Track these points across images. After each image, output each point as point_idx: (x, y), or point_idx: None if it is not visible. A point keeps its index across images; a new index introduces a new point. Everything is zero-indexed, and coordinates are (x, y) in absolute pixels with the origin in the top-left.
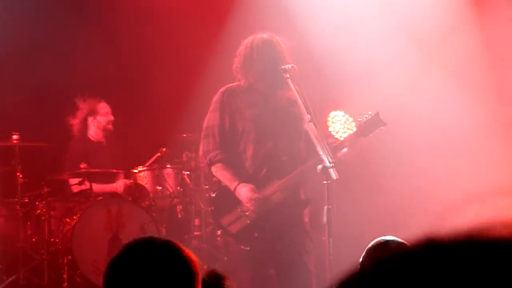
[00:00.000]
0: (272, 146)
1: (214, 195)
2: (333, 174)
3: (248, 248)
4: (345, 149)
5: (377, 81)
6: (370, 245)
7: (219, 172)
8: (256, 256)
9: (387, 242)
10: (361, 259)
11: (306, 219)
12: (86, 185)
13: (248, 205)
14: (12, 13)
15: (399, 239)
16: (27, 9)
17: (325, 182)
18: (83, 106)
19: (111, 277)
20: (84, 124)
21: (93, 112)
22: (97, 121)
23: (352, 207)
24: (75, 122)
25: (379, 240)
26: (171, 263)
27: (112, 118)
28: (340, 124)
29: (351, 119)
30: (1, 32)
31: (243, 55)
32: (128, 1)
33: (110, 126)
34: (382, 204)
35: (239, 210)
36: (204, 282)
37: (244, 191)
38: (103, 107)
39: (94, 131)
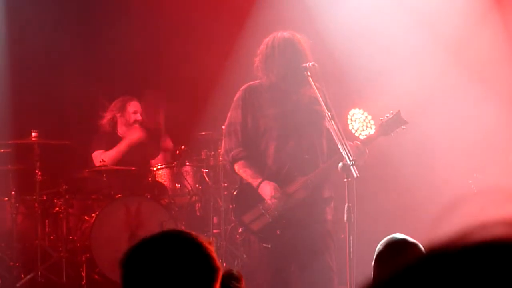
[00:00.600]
0: (294, 144)
1: (235, 192)
2: (354, 171)
3: (269, 246)
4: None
5: (397, 80)
6: (381, 247)
7: (242, 170)
8: (278, 254)
9: (398, 244)
10: (373, 263)
11: (329, 217)
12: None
13: (270, 202)
14: (32, 13)
15: (408, 238)
16: (47, 10)
17: (345, 180)
18: (113, 103)
19: (128, 266)
20: (113, 121)
21: (122, 109)
22: (125, 119)
23: (372, 205)
24: (104, 118)
25: (389, 242)
26: (191, 256)
27: (140, 117)
28: (359, 122)
29: (369, 117)
30: (23, 31)
31: (264, 53)
32: (148, 2)
33: (137, 125)
34: (401, 203)
35: (261, 207)
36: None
37: (267, 189)
38: (133, 105)
39: (121, 128)
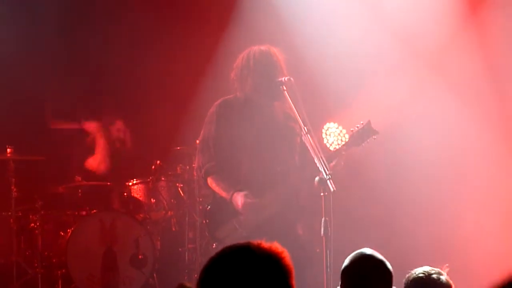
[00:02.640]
0: (267, 157)
1: (208, 208)
2: (331, 186)
3: None
4: (333, 162)
5: (372, 92)
6: (348, 262)
7: (215, 183)
8: None
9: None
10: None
11: (300, 232)
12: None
13: (243, 211)
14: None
15: (376, 254)
16: (24, 20)
17: (322, 194)
18: (94, 124)
19: (206, 279)
20: (93, 140)
21: (103, 130)
22: (106, 137)
23: (347, 218)
24: (88, 137)
25: (357, 258)
26: (271, 274)
27: (122, 135)
28: (334, 136)
29: (344, 131)
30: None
31: (239, 67)
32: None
33: (117, 145)
34: (374, 214)
35: (234, 222)
36: None
37: (239, 198)
38: (117, 125)
39: (99, 146)
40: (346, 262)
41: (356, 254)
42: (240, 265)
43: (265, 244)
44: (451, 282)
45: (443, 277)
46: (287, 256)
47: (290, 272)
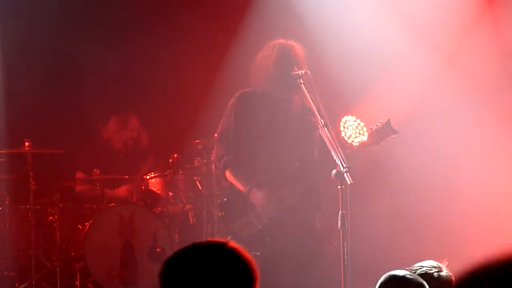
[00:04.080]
0: (285, 151)
1: (225, 200)
2: (348, 179)
3: (258, 253)
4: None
5: (390, 86)
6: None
7: (233, 176)
8: (267, 261)
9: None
10: None
11: (318, 226)
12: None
13: (260, 209)
14: (30, 20)
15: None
16: (46, 18)
17: (339, 187)
18: (112, 119)
19: (167, 275)
20: (110, 135)
21: (121, 126)
22: (123, 135)
23: (365, 212)
24: (105, 132)
25: (390, 279)
26: (232, 266)
27: (135, 134)
28: (352, 129)
29: (362, 124)
30: (17, 38)
31: (258, 61)
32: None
33: (131, 141)
34: (395, 209)
35: (251, 215)
36: None
37: (257, 195)
38: (132, 122)
39: (118, 144)
40: (381, 281)
41: (390, 275)
42: (207, 260)
43: (234, 244)
44: (451, 276)
45: (443, 273)
46: (253, 261)
47: (255, 277)
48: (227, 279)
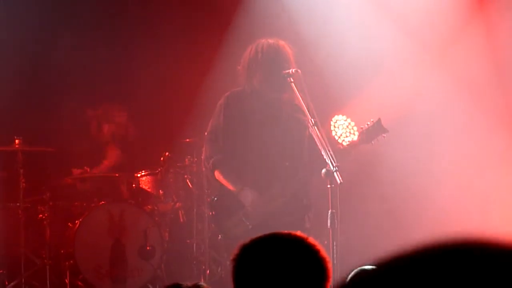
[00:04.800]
0: (275, 151)
1: (215, 199)
2: (338, 178)
3: None
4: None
5: (380, 86)
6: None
7: (222, 176)
8: None
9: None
10: None
11: (308, 225)
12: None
13: (250, 209)
14: (15, 15)
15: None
16: (31, 13)
17: (329, 186)
18: (97, 111)
19: (243, 260)
20: (98, 128)
21: (106, 117)
22: (108, 126)
23: (355, 211)
24: (91, 125)
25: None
26: (308, 260)
27: (123, 124)
28: (343, 129)
29: (353, 123)
30: (4, 35)
31: (247, 60)
32: (132, 10)
33: (120, 132)
34: (384, 209)
35: (241, 214)
36: None
37: (247, 196)
38: (111, 111)
39: (105, 135)
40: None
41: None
42: (285, 250)
43: (313, 240)
44: None
45: None
46: (329, 261)
47: (328, 276)
48: (301, 273)
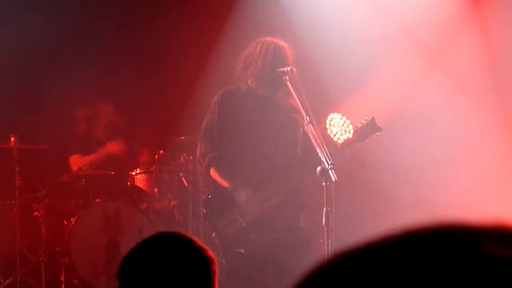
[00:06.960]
0: (269, 149)
1: (209, 197)
2: (333, 175)
3: (242, 251)
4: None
5: (375, 84)
6: None
7: (217, 174)
8: (252, 259)
9: None
10: None
11: (302, 223)
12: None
13: (244, 207)
14: (13, 15)
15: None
16: (29, 12)
17: (324, 184)
18: (92, 109)
19: (125, 270)
20: (88, 125)
21: (96, 114)
22: (99, 123)
23: (350, 209)
24: (80, 123)
25: None
26: (189, 259)
27: (118, 123)
28: (338, 127)
29: (348, 121)
30: (2, 33)
31: (244, 58)
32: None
33: (115, 130)
34: (379, 207)
35: (235, 212)
36: None
37: (241, 193)
38: (106, 109)
39: (97, 131)
40: None
41: None
42: (154, 249)
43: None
44: None
45: None
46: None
47: (213, 260)
48: (181, 266)
